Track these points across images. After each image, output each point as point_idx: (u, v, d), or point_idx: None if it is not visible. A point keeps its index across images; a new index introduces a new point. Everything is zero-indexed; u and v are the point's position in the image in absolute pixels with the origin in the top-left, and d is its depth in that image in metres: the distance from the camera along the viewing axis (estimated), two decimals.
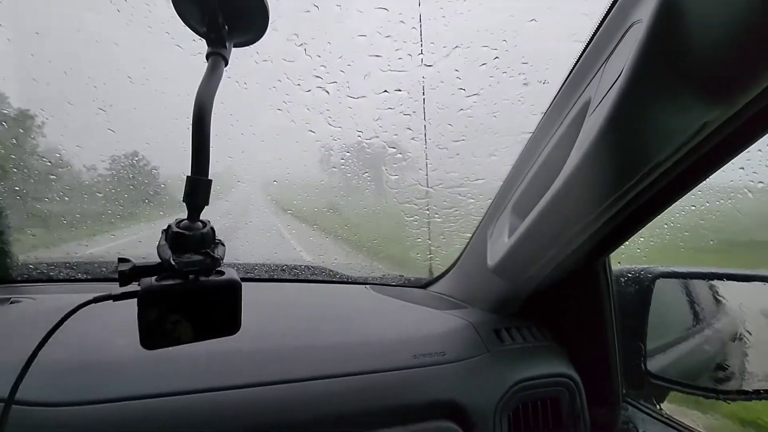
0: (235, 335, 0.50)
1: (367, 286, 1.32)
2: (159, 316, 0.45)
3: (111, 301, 0.48)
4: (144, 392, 0.68)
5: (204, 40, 0.48)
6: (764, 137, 0.58)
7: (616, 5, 0.61)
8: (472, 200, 1.28)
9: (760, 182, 0.79)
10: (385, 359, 0.87)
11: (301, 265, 1.40)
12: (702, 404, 1.05)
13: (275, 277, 1.32)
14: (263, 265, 1.34)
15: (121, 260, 0.45)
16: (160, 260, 0.45)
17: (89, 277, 1.15)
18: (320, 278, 1.37)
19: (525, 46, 1.10)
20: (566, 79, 0.76)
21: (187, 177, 0.45)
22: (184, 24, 0.48)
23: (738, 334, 1.05)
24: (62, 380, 0.66)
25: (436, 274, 1.37)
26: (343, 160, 1.56)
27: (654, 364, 1.04)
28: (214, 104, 0.46)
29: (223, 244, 0.49)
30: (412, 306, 1.16)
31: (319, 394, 0.78)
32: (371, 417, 0.81)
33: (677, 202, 0.73)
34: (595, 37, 0.67)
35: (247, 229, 1.81)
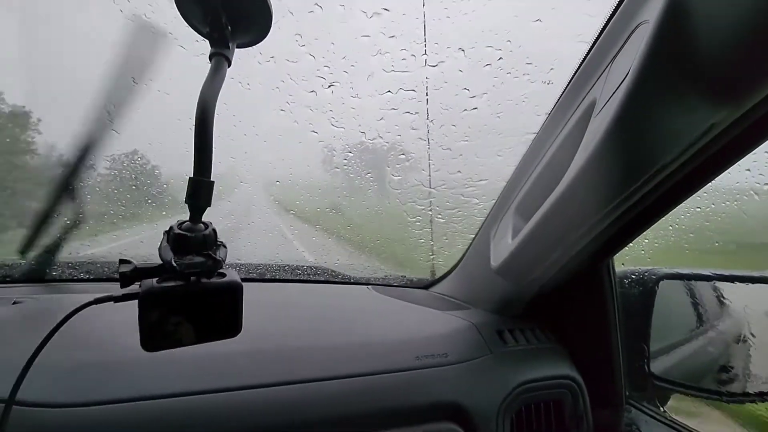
0: (237, 336, 0.50)
1: (370, 286, 1.32)
2: (160, 317, 0.45)
3: (112, 302, 0.48)
4: (145, 393, 0.68)
5: (207, 41, 0.48)
6: None
7: (621, 6, 0.61)
8: (476, 200, 1.28)
9: (767, 184, 0.78)
10: (387, 360, 0.87)
11: (303, 266, 1.40)
12: (705, 406, 1.05)
13: (277, 277, 1.32)
14: (265, 265, 1.34)
15: (123, 262, 0.45)
16: (161, 262, 0.45)
17: (91, 277, 1.15)
18: (322, 279, 1.37)
19: (529, 46, 1.10)
20: (571, 79, 0.75)
21: (190, 178, 0.45)
22: (187, 25, 0.48)
23: (742, 336, 1.04)
24: (63, 381, 0.66)
25: (438, 274, 1.37)
26: (345, 161, 1.56)
27: (657, 366, 1.04)
28: (217, 105, 0.46)
29: (225, 246, 0.49)
30: (415, 307, 1.16)
31: (321, 396, 0.78)
32: (373, 418, 0.80)
33: (682, 204, 0.73)
34: (600, 38, 0.67)
35: (249, 230, 1.81)
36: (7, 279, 1.09)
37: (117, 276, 0.46)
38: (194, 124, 0.44)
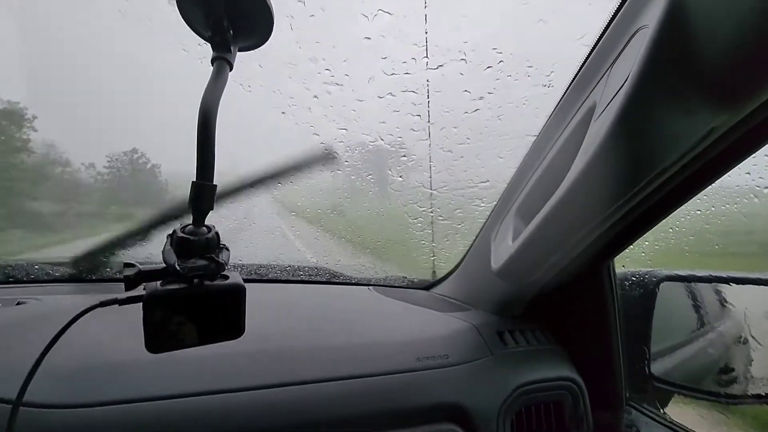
0: (240, 337, 0.51)
1: (371, 287, 1.33)
2: (164, 320, 0.45)
3: (117, 305, 0.49)
4: (150, 394, 0.68)
5: (209, 45, 0.48)
6: None
7: (621, 10, 0.61)
8: (478, 201, 1.28)
9: (767, 187, 0.78)
10: (388, 362, 0.87)
11: (304, 266, 1.41)
12: (705, 408, 1.05)
13: (279, 278, 1.32)
14: (267, 265, 1.35)
15: (127, 265, 0.46)
16: (165, 265, 0.45)
17: (94, 277, 1.15)
18: (324, 279, 1.38)
19: (531, 48, 1.10)
20: (571, 82, 0.76)
21: (193, 182, 0.45)
22: (189, 28, 0.48)
23: (743, 338, 1.04)
24: (69, 382, 0.67)
25: (439, 275, 1.38)
26: (347, 162, 1.56)
27: (658, 368, 1.04)
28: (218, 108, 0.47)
29: (227, 249, 0.50)
30: (416, 308, 1.16)
31: (323, 397, 0.78)
32: (374, 419, 0.81)
33: (682, 207, 0.73)
34: (600, 42, 0.67)
35: (251, 231, 1.81)
36: (10, 279, 1.10)
37: (120, 276, 0.47)
38: (197, 128, 0.44)
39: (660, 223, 0.78)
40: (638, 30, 0.56)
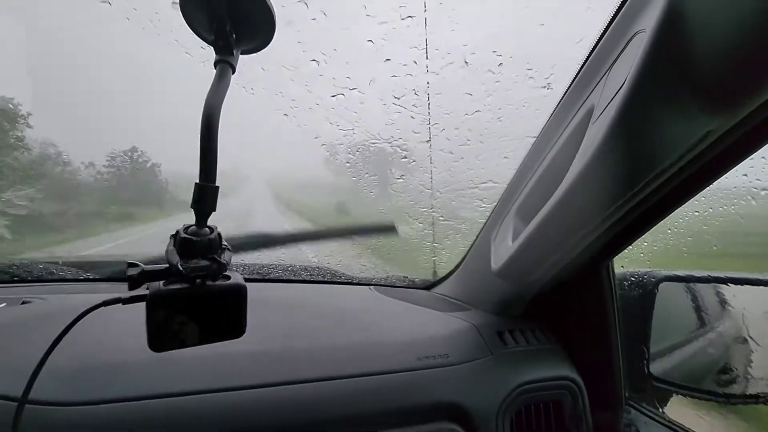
0: (241, 337, 0.51)
1: (372, 287, 1.33)
2: (166, 319, 0.46)
3: (120, 304, 0.49)
4: (153, 392, 0.69)
5: (212, 48, 0.49)
6: (765, 145, 0.59)
7: (619, 14, 0.62)
8: (478, 202, 1.29)
9: (764, 189, 0.79)
10: (388, 361, 0.88)
11: (306, 266, 1.41)
12: (704, 408, 1.05)
13: (281, 277, 1.33)
14: (269, 265, 1.35)
15: (130, 265, 0.47)
16: (168, 265, 0.46)
17: (97, 277, 1.16)
18: (325, 279, 1.38)
19: (530, 51, 1.11)
20: (570, 85, 0.76)
21: (195, 184, 0.46)
22: (192, 32, 0.49)
23: (742, 338, 1.05)
24: (73, 380, 0.68)
25: (440, 276, 1.38)
26: (348, 163, 1.57)
27: (657, 368, 1.05)
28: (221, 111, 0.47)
29: (230, 250, 0.50)
30: (416, 308, 1.17)
31: (323, 396, 0.79)
32: (375, 418, 0.82)
33: (680, 208, 0.74)
34: (598, 45, 0.68)
35: (253, 228, 1.82)
36: (15, 279, 1.11)
37: (122, 276, 0.48)
38: (200, 131, 0.45)
39: (658, 224, 0.78)
40: (636, 34, 0.56)
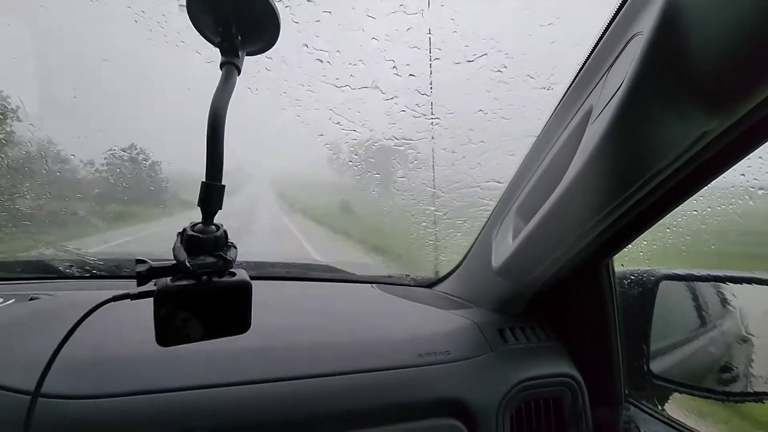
0: (246, 333, 0.53)
1: (374, 285, 1.34)
2: (173, 314, 0.48)
3: (129, 299, 0.51)
4: (161, 387, 0.71)
5: (217, 49, 0.50)
6: (762, 146, 0.60)
7: (617, 17, 0.63)
8: (480, 201, 1.30)
9: (761, 189, 0.80)
10: (390, 357, 0.89)
11: (309, 264, 1.43)
12: (703, 405, 1.06)
13: (285, 275, 1.34)
14: (274, 263, 1.37)
15: (139, 261, 0.48)
16: (175, 261, 0.47)
17: (104, 274, 1.18)
18: (328, 277, 1.40)
19: (533, 51, 1.11)
20: (570, 86, 0.77)
21: (202, 182, 0.47)
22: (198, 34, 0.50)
23: (741, 337, 1.05)
24: (84, 375, 0.69)
25: (442, 274, 1.39)
26: (351, 162, 1.58)
27: (657, 366, 1.05)
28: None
29: (235, 247, 0.51)
30: (418, 305, 1.18)
31: (326, 391, 0.80)
32: (377, 414, 0.83)
33: (679, 207, 0.75)
34: (597, 47, 0.68)
35: (258, 227, 1.84)
36: (23, 276, 1.12)
37: (127, 273, 0.49)
38: (206, 131, 0.46)
39: (657, 223, 0.79)
40: (634, 36, 0.57)
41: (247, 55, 0.52)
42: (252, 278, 0.51)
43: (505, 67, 1.10)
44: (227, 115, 0.47)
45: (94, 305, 0.52)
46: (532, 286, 0.99)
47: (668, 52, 0.51)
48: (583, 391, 1.00)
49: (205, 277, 0.48)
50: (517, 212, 0.93)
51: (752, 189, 0.81)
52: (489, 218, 1.10)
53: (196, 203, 0.48)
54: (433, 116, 1.28)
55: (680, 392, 1.05)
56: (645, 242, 0.94)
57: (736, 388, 1.02)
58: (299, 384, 0.79)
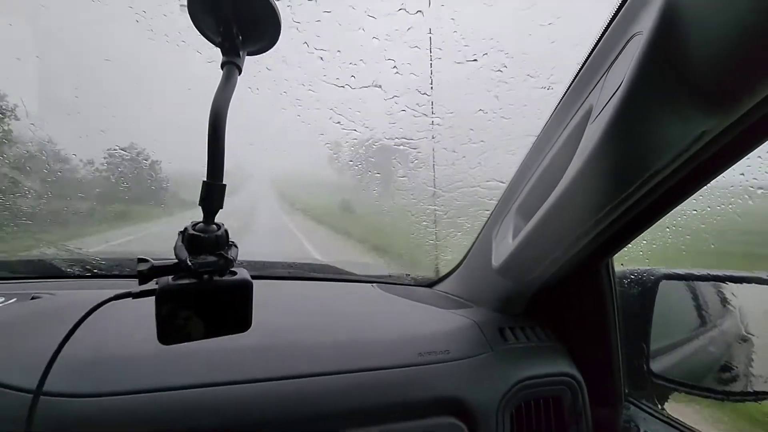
0: (247, 332, 0.53)
1: (375, 284, 1.34)
2: (175, 313, 0.48)
3: (130, 298, 0.51)
4: (162, 385, 0.71)
5: (218, 49, 0.50)
6: (761, 145, 0.60)
7: (617, 17, 0.63)
8: (481, 200, 1.30)
9: (760, 188, 0.80)
10: (391, 357, 0.89)
11: (310, 263, 1.43)
12: (703, 405, 1.06)
13: (285, 275, 1.34)
14: (274, 263, 1.37)
15: (140, 260, 0.48)
16: (176, 260, 0.47)
17: (105, 273, 1.18)
18: (329, 276, 1.40)
19: (533, 51, 1.11)
20: (570, 86, 0.77)
21: (203, 182, 0.47)
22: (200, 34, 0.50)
23: (742, 336, 1.05)
24: (85, 373, 0.70)
25: (442, 273, 1.39)
26: (352, 161, 1.59)
27: (657, 365, 1.05)
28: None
29: (236, 246, 0.52)
30: (418, 305, 1.18)
31: (327, 390, 0.80)
32: (377, 412, 0.83)
33: (678, 207, 0.75)
34: (597, 47, 0.69)
35: (259, 228, 1.84)
36: (24, 275, 1.13)
37: (128, 272, 0.49)
38: (207, 131, 0.46)
39: (657, 223, 0.79)
40: (633, 36, 0.57)
41: (248, 54, 0.52)
42: (253, 278, 0.52)
43: (506, 66, 1.11)
44: (228, 114, 0.47)
45: (95, 304, 0.53)
46: (532, 285, 0.99)
47: (667, 51, 0.51)
48: (582, 390, 1.00)
49: (206, 276, 0.49)
50: (518, 212, 0.94)
51: (752, 188, 0.81)
52: (489, 218, 1.10)
53: (197, 202, 0.48)
54: (433, 116, 1.28)
55: (680, 392, 1.05)
56: (645, 242, 0.95)
57: (736, 387, 1.02)
58: (300, 382, 0.79)
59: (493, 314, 1.10)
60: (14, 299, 0.93)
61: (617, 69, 0.61)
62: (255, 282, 0.52)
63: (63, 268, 1.15)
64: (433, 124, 1.29)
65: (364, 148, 1.56)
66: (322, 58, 1.17)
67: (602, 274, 1.00)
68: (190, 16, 0.48)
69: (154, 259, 0.48)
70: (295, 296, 1.19)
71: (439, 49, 1.18)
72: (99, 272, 1.17)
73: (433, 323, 1.05)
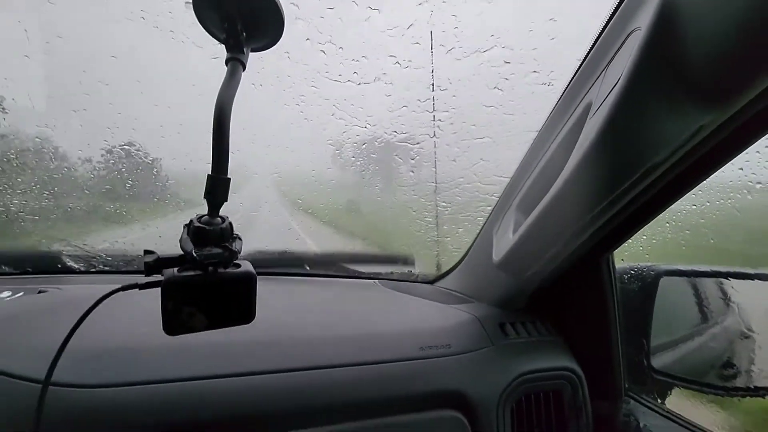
0: (251, 325, 0.54)
1: (377, 281, 1.35)
2: (180, 304, 0.49)
3: (137, 289, 0.52)
4: (168, 376, 0.72)
5: (223, 46, 0.51)
6: (759, 140, 0.60)
7: (616, 13, 0.63)
8: (482, 196, 1.31)
9: (759, 183, 0.80)
10: (392, 351, 0.90)
11: (312, 259, 1.44)
12: (703, 400, 1.06)
13: (289, 271, 1.35)
14: (278, 259, 1.38)
15: (147, 252, 0.49)
16: (182, 252, 0.48)
17: (110, 269, 1.20)
18: (331, 273, 1.40)
19: (534, 47, 1.12)
20: (570, 82, 0.78)
21: (208, 175, 0.48)
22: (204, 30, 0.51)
23: (742, 332, 1.05)
24: (93, 364, 0.71)
25: (443, 269, 1.40)
26: (354, 158, 1.59)
27: (658, 361, 1.06)
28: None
29: (240, 239, 0.52)
30: (420, 300, 1.18)
31: (329, 382, 0.81)
32: (379, 405, 0.84)
33: (678, 202, 0.75)
34: (596, 43, 0.69)
35: (261, 224, 1.84)
36: (31, 270, 1.14)
37: (134, 268, 0.50)
38: (212, 126, 0.47)
39: (656, 218, 0.80)
40: (632, 32, 0.58)
41: (251, 51, 0.52)
42: (257, 274, 0.53)
43: (507, 62, 1.11)
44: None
45: (102, 295, 0.54)
46: (533, 281, 0.99)
47: (665, 47, 0.52)
48: (583, 384, 1.01)
49: (211, 268, 0.49)
50: (518, 207, 0.94)
51: (750, 183, 0.81)
52: (491, 213, 1.11)
53: (203, 196, 0.49)
54: (435, 111, 1.28)
55: (680, 387, 1.05)
56: (645, 237, 0.95)
57: (737, 383, 1.02)
58: (302, 375, 0.80)
59: (494, 309, 1.10)
60: (21, 293, 0.94)
61: (616, 64, 0.61)
62: (260, 279, 0.53)
63: (69, 264, 1.17)
64: (435, 119, 1.30)
65: (366, 144, 1.57)
66: (324, 55, 1.18)
67: (603, 270, 1.00)
68: (195, 13, 0.49)
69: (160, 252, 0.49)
70: (297, 292, 1.20)
71: (441, 45, 1.19)
72: (105, 267, 1.19)
73: (434, 318, 1.05)
